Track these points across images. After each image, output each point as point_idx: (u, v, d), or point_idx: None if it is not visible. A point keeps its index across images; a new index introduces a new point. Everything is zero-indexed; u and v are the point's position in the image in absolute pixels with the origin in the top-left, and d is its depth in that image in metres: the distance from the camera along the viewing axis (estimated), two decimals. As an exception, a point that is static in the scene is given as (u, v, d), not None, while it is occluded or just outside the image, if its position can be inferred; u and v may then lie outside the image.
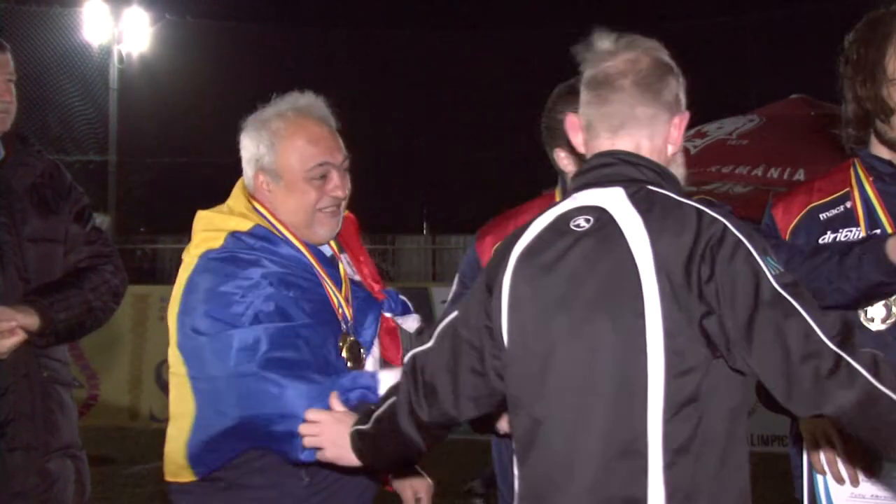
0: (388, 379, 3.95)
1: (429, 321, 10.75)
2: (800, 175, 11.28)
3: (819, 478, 4.17)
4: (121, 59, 27.95)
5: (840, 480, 4.12)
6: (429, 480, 4.50)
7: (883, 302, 4.15)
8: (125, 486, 12.47)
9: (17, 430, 4.57)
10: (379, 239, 28.55)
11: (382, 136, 31.69)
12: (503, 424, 4.27)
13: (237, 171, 4.28)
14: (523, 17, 36.60)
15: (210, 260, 3.94)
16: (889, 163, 4.26)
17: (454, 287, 4.67)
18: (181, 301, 3.98)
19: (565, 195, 4.34)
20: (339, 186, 4.09)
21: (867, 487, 4.10)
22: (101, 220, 19.67)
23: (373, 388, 3.97)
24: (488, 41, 32.15)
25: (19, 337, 4.49)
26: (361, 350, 4.10)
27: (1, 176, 4.77)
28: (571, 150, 4.23)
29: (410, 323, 4.36)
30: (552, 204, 3.75)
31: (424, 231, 32.01)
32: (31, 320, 4.52)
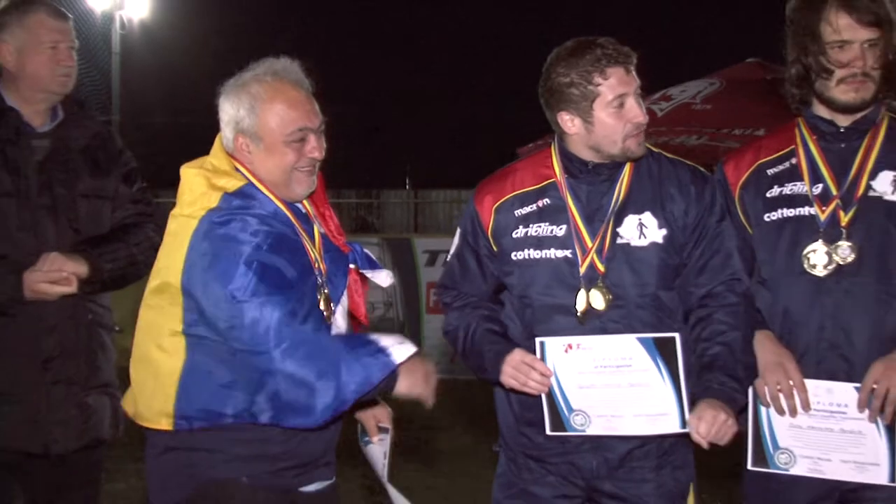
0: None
1: (411, 269, 10.87)
2: (762, 131, 11.46)
3: (763, 410, 4.26)
4: (122, 25, 27.80)
5: (781, 412, 4.21)
6: (389, 409, 4.49)
7: (825, 250, 4.23)
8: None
9: (60, 366, 4.65)
10: (364, 193, 28.59)
11: (370, 97, 31.66)
12: (508, 380, 4.25)
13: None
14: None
15: (213, 223, 3.88)
16: (831, 122, 4.31)
17: (456, 241, 4.60)
18: (187, 261, 3.89)
19: (561, 155, 4.39)
20: (316, 148, 4.06)
21: (803, 419, 4.19)
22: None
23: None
24: (476, 3, 32.02)
25: (71, 287, 4.57)
26: (331, 303, 4.08)
27: (59, 135, 4.83)
28: (576, 111, 4.25)
29: (383, 278, 4.35)
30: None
31: (407, 186, 31.94)
32: (82, 269, 4.60)
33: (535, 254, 4.33)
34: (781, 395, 4.15)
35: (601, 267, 4.26)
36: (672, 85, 13.69)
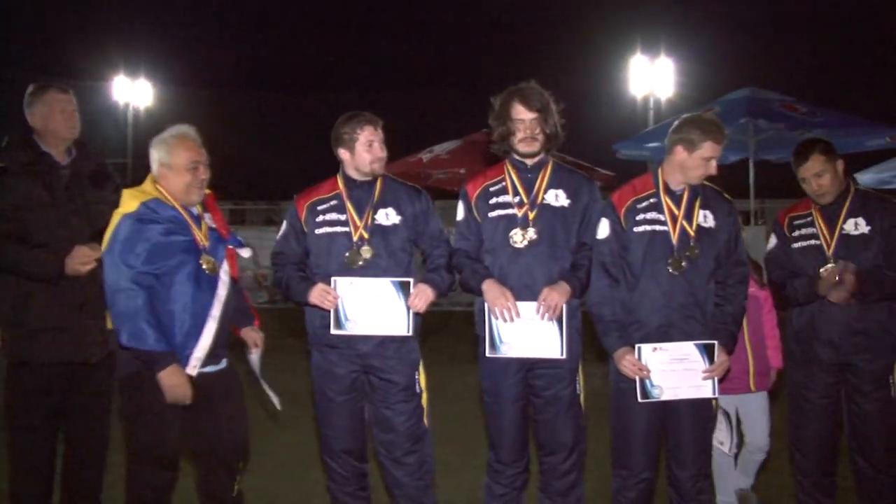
0: None
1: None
2: (463, 170, 12.69)
3: (494, 321, 4.21)
4: (135, 110, 27.83)
5: (504, 321, 4.18)
6: (261, 332, 4.44)
7: (521, 233, 4.24)
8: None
9: (89, 309, 4.43)
10: (270, 202, 27.82)
11: (274, 145, 31.21)
12: (313, 300, 4.26)
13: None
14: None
15: (127, 217, 3.97)
16: (523, 162, 4.33)
17: (283, 228, 4.55)
18: (110, 237, 3.99)
19: (342, 176, 4.45)
20: (203, 173, 4.12)
21: (515, 324, 4.18)
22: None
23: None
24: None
25: (94, 265, 4.36)
26: (216, 263, 4.09)
27: (75, 167, 4.59)
28: (348, 148, 4.35)
29: (244, 252, 4.32)
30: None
31: (295, 197, 31.60)
32: (99, 252, 4.36)
33: (329, 230, 4.36)
34: (504, 312, 4.15)
35: (366, 236, 4.31)
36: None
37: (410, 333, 4.26)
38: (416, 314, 4.29)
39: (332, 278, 4.26)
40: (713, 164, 4.11)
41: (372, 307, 4.23)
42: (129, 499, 4.08)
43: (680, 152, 4.13)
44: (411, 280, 4.25)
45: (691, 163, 4.11)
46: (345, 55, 36.97)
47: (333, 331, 4.26)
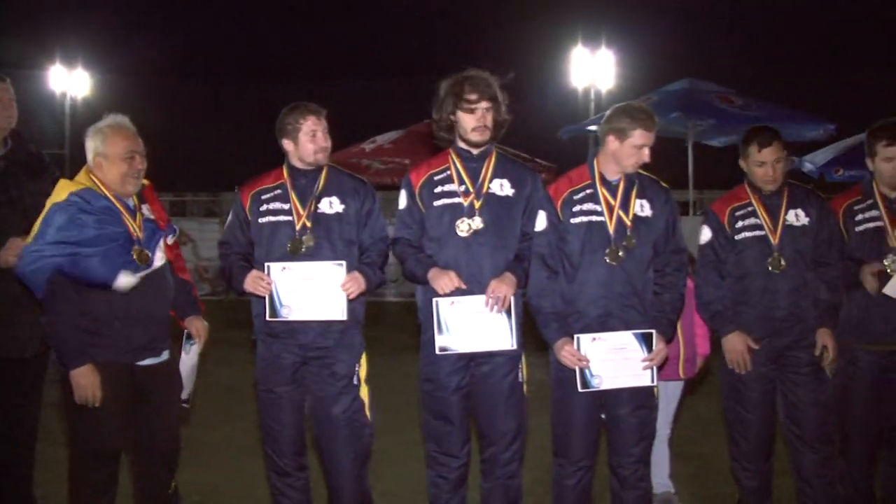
0: None
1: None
2: (408, 161, 12.56)
3: (443, 316, 4.16)
4: (72, 99, 27.38)
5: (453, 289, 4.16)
6: (205, 322, 4.38)
7: (468, 222, 4.21)
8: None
9: (25, 304, 4.27)
10: (211, 194, 27.18)
11: (215, 136, 30.82)
12: (247, 287, 4.24)
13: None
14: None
15: (57, 206, 3.91)
16: (468, 151, 4.31)
17: (229, 218, 4.51)
18: (39, 224, 3.93)
19: (287, 166, 4.41)
20: (139, 163, 4.05)
21: (464, 319, 4.17)
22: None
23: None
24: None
25: None
26: (148, 254, 4.02)
27: (10, 158, 4.49)
28: (292, 138, 4.32)
29: (170, 239, 4.26)
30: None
31: (236, 189, 31.12)
32: None
33: (272, 219, 4.33)
34: (451, 287, 4.14)
35: (309, 224, 4.29)
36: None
37: (346, 318, 4.23)
38: (357, 302, 4.28)
39: (266, 264, 4.23)
40: (646, 151, 4.16)
41: (306, 292, 4.20)
42: (71, 492, 4.02)
43: (612, 142, 4.18)
44: (343, 263, 4.23)
45: (623, 152, 4.15)
46: (287, 44, 36.45)
47: (269, 318, 4.22)
